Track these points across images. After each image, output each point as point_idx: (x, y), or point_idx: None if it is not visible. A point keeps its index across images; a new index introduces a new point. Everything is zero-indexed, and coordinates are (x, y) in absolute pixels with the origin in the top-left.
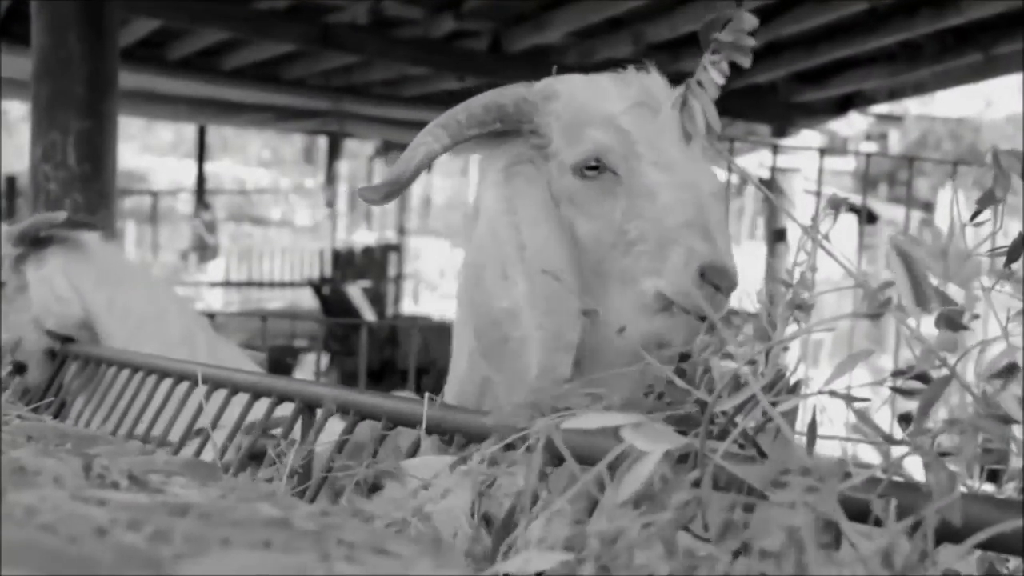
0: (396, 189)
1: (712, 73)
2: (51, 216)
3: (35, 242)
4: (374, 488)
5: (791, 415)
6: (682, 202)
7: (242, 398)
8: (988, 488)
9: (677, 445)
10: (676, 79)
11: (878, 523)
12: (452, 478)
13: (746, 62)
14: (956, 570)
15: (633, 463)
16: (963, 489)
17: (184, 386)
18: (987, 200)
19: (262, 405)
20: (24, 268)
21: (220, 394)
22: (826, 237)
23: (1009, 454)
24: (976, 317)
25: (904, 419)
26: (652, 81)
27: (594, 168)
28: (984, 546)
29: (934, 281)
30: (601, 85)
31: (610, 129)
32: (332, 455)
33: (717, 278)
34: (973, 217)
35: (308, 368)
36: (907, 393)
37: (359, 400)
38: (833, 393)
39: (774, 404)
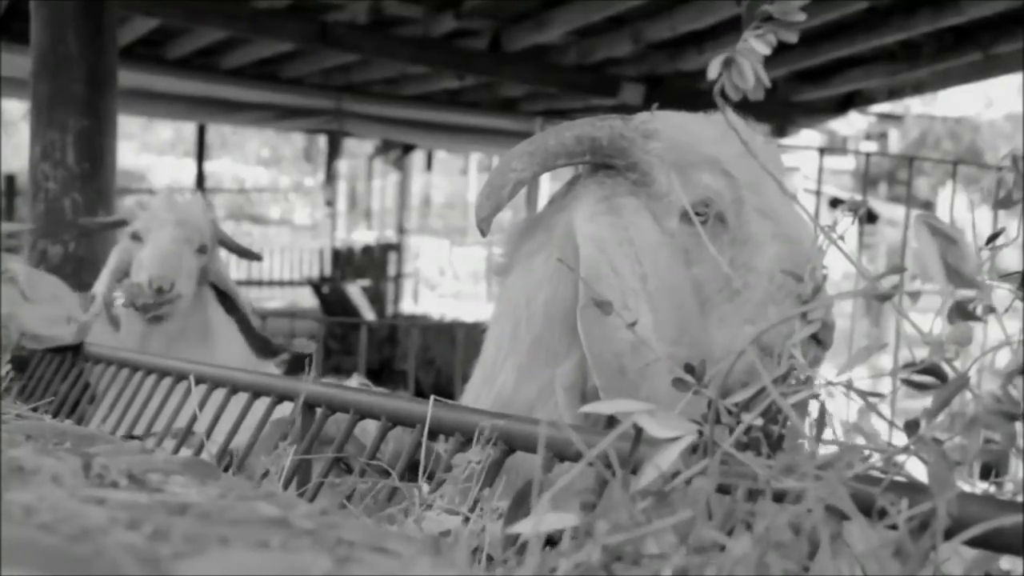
0: (494, 216)
1: (755, 44)
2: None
3: None
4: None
5: (801, 408)
6: (789, 255)
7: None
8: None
9: (689, 433)
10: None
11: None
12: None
13: (792, 37)
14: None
15: (655, 453)
16: (964, 488)
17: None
18: (1006, 203)
19: (262, 404)
20: None
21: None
22: (841, 238)
23: (1009, 455)
24: (992, 310)
25: (909, 426)
26: (736, 121)
27: (700, 213)
28: (985, 546)
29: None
30: (700, 125)
31: (718, 174)
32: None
33: (822, 334)
34: (991, 239)
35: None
36: (917, 386)
37: (358, 399)
38: (845, 385)
39: (783, 397)
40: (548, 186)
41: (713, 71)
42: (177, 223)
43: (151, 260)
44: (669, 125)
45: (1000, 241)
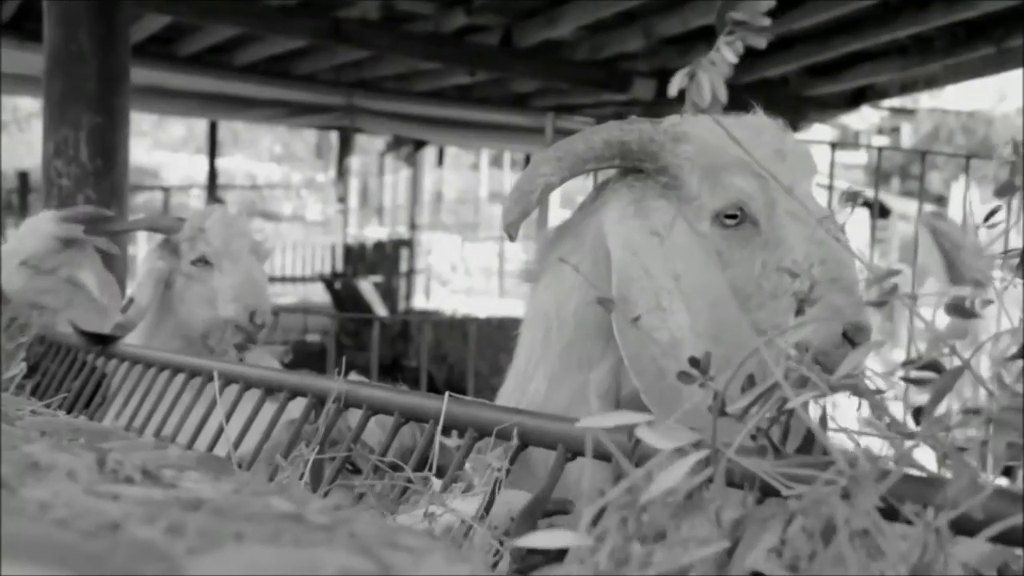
0: (522, 221)
1: (725, 52)
2: None
3: None
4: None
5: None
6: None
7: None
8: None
9: (689, 442)
10: None
11: (892, 517)
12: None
13: (761, 43)
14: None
15: (669, 463)
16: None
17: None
18: (1005, 190)
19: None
20: None
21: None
22: (842, 229)
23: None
24: (989, 303)
25: (918, 412)
26: (765, 122)
27: (733, 216)
28: (1001, 540)
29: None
30: (730, 127)
31: (751, 177)
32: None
33: (858, 336)
34: (989, 216)
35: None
36: (919, 383)
37: (371, 395)
38: (853, 384)
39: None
40: (559, 187)
41: (675, 87)
42: (251, 249)
43: (250, 293)
44: (699, 128)
45: (998, 220)
